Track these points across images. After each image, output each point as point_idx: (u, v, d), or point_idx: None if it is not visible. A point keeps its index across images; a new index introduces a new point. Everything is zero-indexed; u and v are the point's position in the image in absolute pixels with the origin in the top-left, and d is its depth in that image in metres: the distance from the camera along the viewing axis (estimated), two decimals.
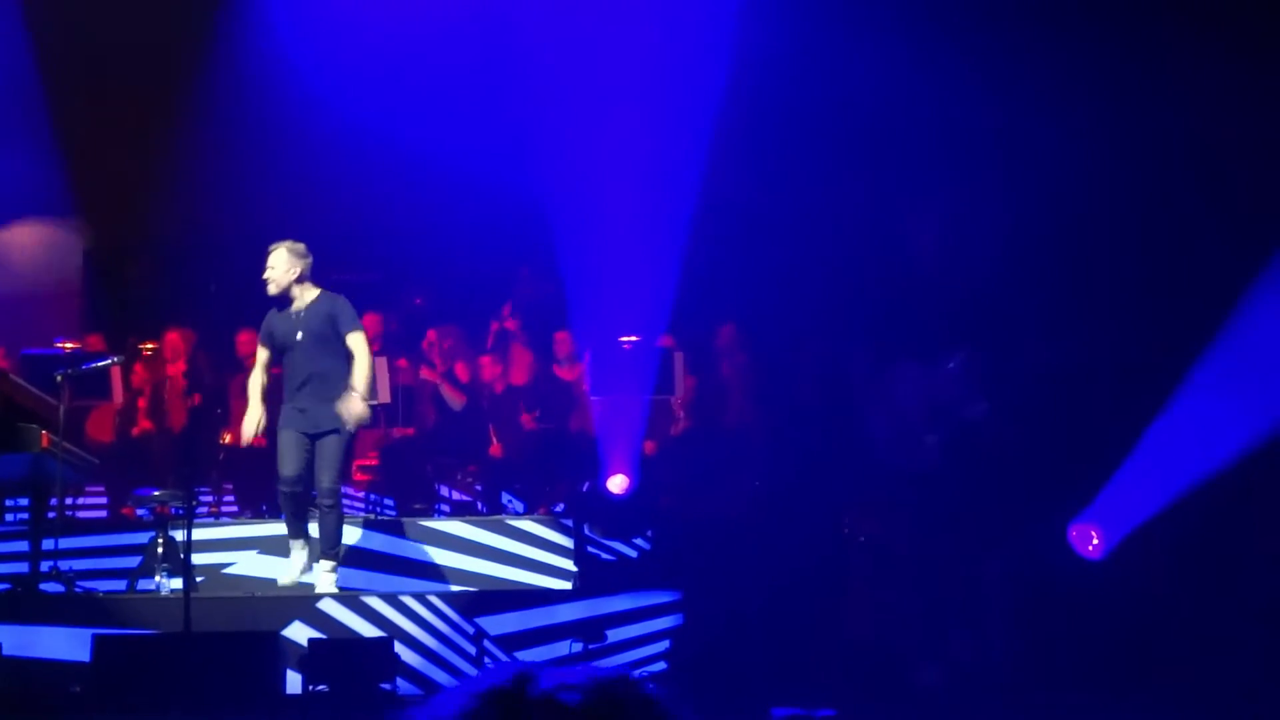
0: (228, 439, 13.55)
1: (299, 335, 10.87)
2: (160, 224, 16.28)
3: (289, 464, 10.89)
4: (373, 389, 12.78)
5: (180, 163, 15.49)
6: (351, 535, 11.98)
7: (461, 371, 14.16)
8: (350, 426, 10.89)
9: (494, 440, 13.86)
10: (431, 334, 14.32)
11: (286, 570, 11.35)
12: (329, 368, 10.86)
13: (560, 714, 1.88)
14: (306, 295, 10.93)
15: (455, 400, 13.92)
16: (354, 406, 10.79)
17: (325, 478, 10.89)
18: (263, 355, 11.14)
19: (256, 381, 11.12)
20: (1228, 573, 11.81)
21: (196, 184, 15.52)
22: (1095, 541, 12.27)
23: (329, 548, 11.09)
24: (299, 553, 11.21)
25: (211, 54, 15.23)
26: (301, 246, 10.96)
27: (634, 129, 13.97)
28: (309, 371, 10.87)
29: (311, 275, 10.98)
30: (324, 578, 11.11)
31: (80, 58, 15.62)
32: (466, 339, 14.48)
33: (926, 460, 12.78)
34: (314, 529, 11.27)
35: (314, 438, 10.87)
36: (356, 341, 10.88)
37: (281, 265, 10.87)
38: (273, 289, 10.90)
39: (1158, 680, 11.29)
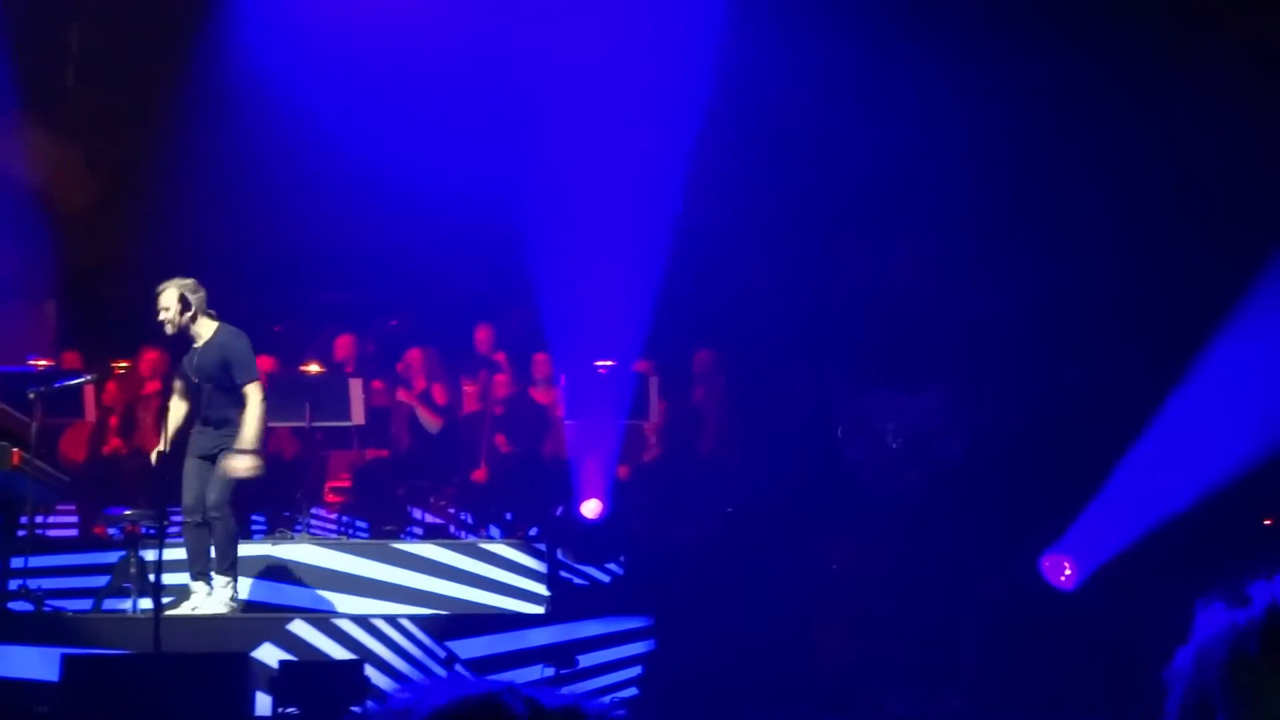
0: None
1: (198, 371, 10.86)
2: (137, 242, 16.21)
3: (186, 492, 10.89)
4: (345, 409, 12.77)
5: (158, 181, 15.46)
6: (323, 557, 11.94)
7: (439, 394, 14.12)
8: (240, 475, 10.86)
9: (482, 463, 13.81)
10: (412, 354, 14.29)
11: (185, 602, 11.14)
12: (223, 407, 10.85)
13: None
14: (204, 331, 10.86)
15: (432, 423, 13.89)
16: (236, 464, 10.74)
17: (213, 494, 10.82)
18: (178, 384, 11.14)
19: (173, 410, 11.06)
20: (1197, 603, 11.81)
21: (174, 203, 15.47)
22: (1067, 572, 12.29)
23: (221, 560, 10.97)
24: (195, 594, 11.03)
25: (189, 75, 15.19)
26: (191, 282, 10.86)
27: (613, 152, 13.97)
28: (206, 410, 10.89)
29: (210, 305, 10.90)
30: (218, 594, 11.01)
31: (58, 75, 15.58)
32: (446, 361, 14.44)
33: (905, 488, 12.79)
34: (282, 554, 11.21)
35: (214, 459, 10.85)
36: (251, 391, 10.77)
37: (174, 306, 10.78)
38: (169, 329, 10.82)
39: (1127, 710, 11.29)
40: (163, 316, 10.82)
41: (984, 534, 12.27)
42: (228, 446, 10.78)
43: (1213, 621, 2.12)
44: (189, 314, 10.78)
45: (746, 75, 13.98)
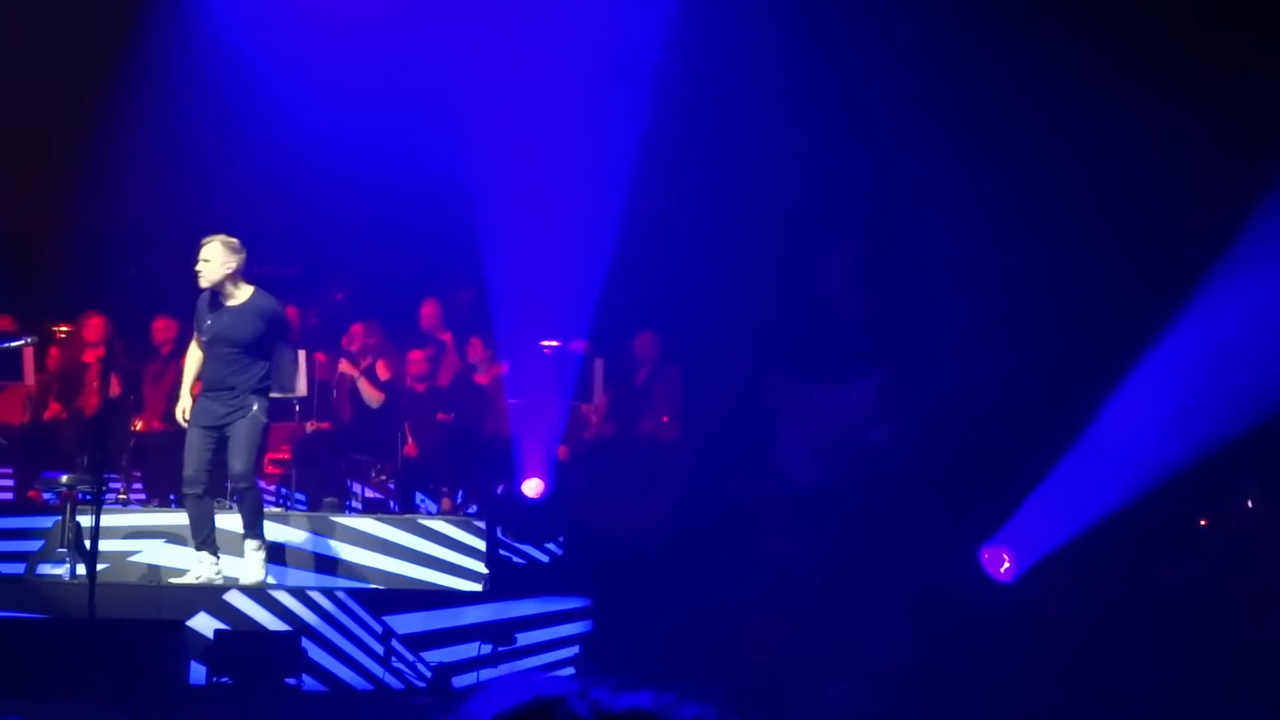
0: (139, 426, 13.40)
1: (224, 332, 10.74)
2: (80, 208, 16.09)
3: (189, 463, 10.80)
4: (290, 383, 12.69)
5: (102, 147, 15.31)
6: None
7: (383, 370, 14.05)
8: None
9: (409, 439, 13.76)
10: (356, 328, 14.22)
11: (189, 572, 11.17)
12: (247, 369, 10.76)
13: None
14: (238, 294, 10.78)
15: (373, 398, 13.82)
16: None
17: (237, 462, 10.75)
18: (195, 341, 11.04)
19: (190, 365, 11.02)
20: (1139, 600, 11.90)
21: (118, 169, 15.34)
22: (1006, 565, 12.33)
23: (249, 529, 10.92)
24: (199, 564, 11.01)
25: (133, 40, 15.05)
26: (236, 241, 10.76)
27: (564, 133, 13.92)
28: (226, 371, 10.75)
29: (244, 271, 10.83)
30: (251, 559, 10.95)
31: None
32: (390, 336, 14.38)
33: (834, 481, 12.81)
34: (229, 525, 11.12)
35: (222, 428, 10.76)
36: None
37: (216, 260, 10.69)
38: (204, 282, 10.72)
39: (1062, 705, 11.37)
40: (200, 268, 10.71)
41: (924, 525, 12.30)
42: (237, 417, 10.70)
43: None
44: (228, 270, 10.69)
45: (697, 65, 13.96)
